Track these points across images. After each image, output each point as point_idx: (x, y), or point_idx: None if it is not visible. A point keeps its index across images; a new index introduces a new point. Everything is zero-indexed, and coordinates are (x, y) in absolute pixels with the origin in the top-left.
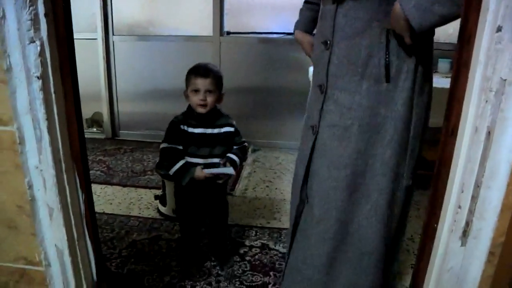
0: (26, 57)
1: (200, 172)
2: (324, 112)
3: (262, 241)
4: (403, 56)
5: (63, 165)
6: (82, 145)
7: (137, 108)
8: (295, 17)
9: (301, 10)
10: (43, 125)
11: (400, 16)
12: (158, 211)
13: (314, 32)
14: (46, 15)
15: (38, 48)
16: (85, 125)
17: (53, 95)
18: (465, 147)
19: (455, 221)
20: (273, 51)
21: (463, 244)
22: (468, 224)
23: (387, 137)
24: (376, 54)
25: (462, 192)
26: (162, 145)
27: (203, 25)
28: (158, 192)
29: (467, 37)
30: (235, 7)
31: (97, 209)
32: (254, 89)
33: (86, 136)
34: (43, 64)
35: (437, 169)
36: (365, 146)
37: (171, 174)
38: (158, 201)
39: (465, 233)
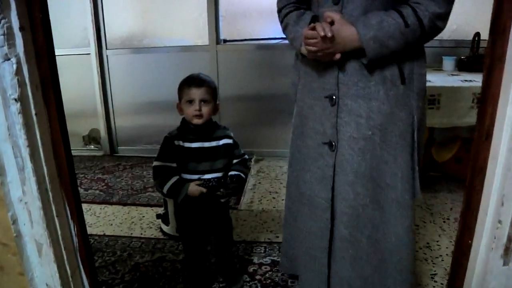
0: (1, 77)
1: (194, 188)
2: (339, 125)
3: (272, 258)
4: (413, 57)
5: (51, 195)
6: (71, 171)
7: (135, 123)
8: None
9: (292, 15)
10: (25, 152)
11: (355, 43)
12: (161, 230)
13: None
14: (21, 28)
15: (14, 66)
16: (82, 143)
17: (35, 118)
18: (503, 152)
19: (495, 237)
20: (272, 57)
21: (506, 263)
22: (511, 240)
23: (406, 142)
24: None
25: (502, 205)
26: (154, 163)
27: (199, 34)
28: (160, 210)
29: (501, 28)
30: (230, 14)
31: (97, 230)
32: (255, 96)
33: (83, 154)
34: (21, 84)
35: (470, 179)
36: (389, 156)
37: (165, 192)
38: (160, 220)
39: (507, 251)
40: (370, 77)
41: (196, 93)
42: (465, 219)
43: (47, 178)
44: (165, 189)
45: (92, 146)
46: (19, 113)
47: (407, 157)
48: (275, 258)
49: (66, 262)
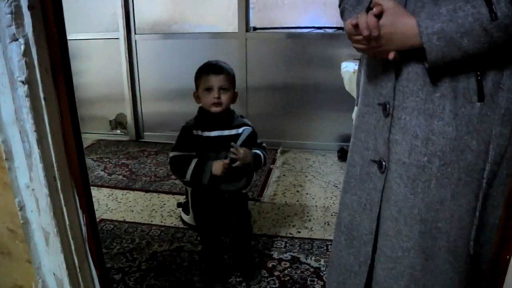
0: (8, 58)
1: (217, 164)
2: (391, 143)
3: (292, 254)
4: (504, 63)
5: (59, 183)
6: (81, 159)
7: (162, 109)
8: (324, 10)
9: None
10: (32, 137)
11: (413, 40)
12: (181, 219)
13: None
14: (31, 7)
15: (22, 47)
16: (109, 127)
17: (43, 102)
18: None
19: None
20: (302, 46)
21: None
22: None
23: (472, 180)
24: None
25: None
26: (171, 154)
27: (228, 21)
28: (182, 198)
29: None
30: (261, 2)
31: (118, 216)
32: (283, 87)
33: (110, 138)
34: (29, 66)
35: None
36: (447, 193)
37: (188, 178)
38: (181, 209)
39: None
40: (435, 87)
41: (215, 80)
42: (503, 232)
43: (55, 165)
44: (188, 175)
45: (119, 131)
46: (26, 96)
47: (470, 198)
48: (295, 254)
49: (73, 252)
